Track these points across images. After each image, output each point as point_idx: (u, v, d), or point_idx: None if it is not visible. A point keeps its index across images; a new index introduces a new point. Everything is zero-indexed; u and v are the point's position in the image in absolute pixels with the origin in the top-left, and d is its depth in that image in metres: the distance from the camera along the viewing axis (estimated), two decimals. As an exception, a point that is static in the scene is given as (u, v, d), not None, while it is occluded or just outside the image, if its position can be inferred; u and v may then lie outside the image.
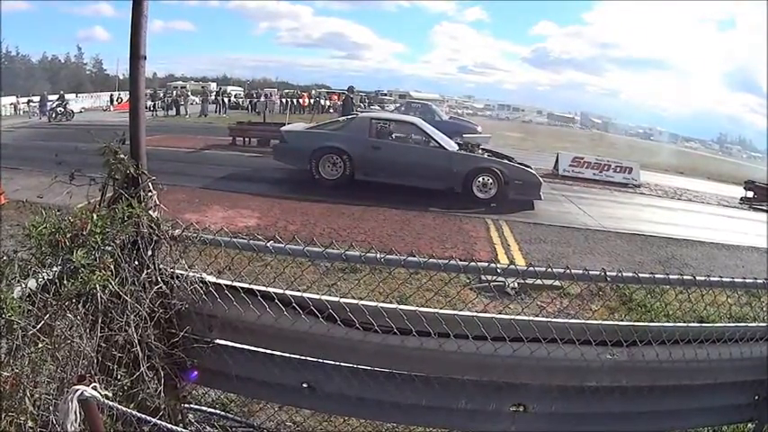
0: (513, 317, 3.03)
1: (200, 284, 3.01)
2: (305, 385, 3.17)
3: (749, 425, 4.21)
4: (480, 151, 13.98)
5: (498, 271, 3.02)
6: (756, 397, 4.03)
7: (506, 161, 13.11)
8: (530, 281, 6.22)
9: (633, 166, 20.84)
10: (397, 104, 28.29)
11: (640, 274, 3.15)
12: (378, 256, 2.86)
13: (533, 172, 13.14)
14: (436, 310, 3.05)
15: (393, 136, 13.53)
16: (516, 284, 6.25)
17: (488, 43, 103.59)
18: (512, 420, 3.26)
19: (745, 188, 23.84)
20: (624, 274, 3.11)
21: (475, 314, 3.10)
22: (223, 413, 3.75)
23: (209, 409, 3.72)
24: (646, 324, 3.50)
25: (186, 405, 3.46)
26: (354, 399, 3.20)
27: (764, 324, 3.97)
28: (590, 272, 3.02)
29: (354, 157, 12.65)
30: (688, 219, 15.17)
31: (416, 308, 3.09)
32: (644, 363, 3.18)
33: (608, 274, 2.98)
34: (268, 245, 2.92)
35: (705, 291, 4.17)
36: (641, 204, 16.76)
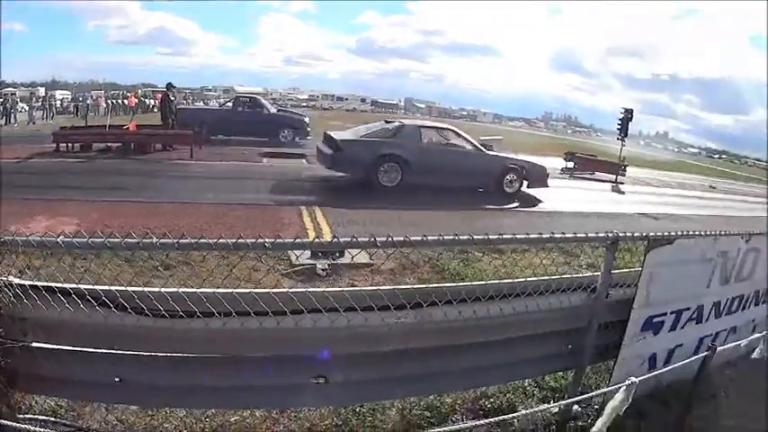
0: (307, 289, 3.25)
1: (8, 287, 3.10)
2: (117, 379, 3.32)
3: (569, 373, 4.59)
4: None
5: (303, 244, 3.14)
6: (570, 346, 4.39)
7: (525, 160, 15.85)
8: (341, 262, 6.47)
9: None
10: (225, 99, 29.52)
11: (444, 237, 3.40)
12: (173, 241, 2.92)
13: (542, 165, 15.98)
14: (233, 290, 3.21)
15: (437, 141, 15.01)
16: (327, 266, 6.48)
17: (314, 34, 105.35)
18: (315, 393, 3.53)
19: (565, 159, 28.05)
20: (429, 237, 3.34)
21: (270, 290, 3.31)
22: (54, 419, 3.72)
23: (42, 417, 3.67)
24: (434, 285, 3.88)
25: (21, 416, 3.39)
26: (166, 388, 3.41)
27: (568, 276, 4.47)
28: (394, 238, 3.26)
29: (410, 162, 13.87)
30: None
31: (214, 290, 3.25)
32: (433, 324, 3.50)
33: (412, 238, 3.24)
34: (74, 241, 2.93)
35: (519, 255, 4.48)
36: None
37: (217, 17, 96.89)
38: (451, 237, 3.37)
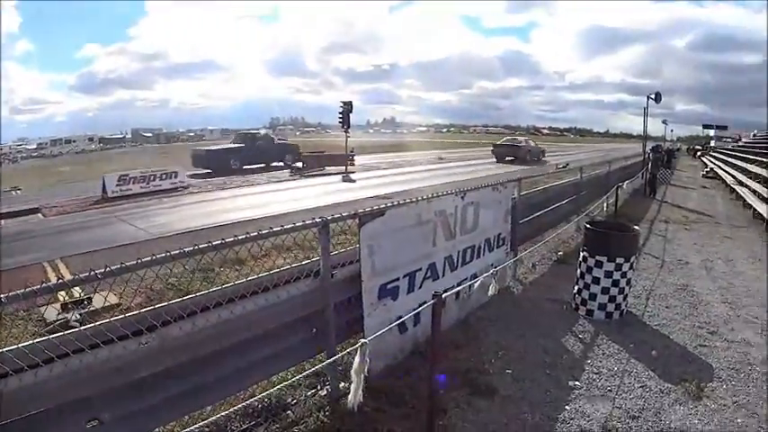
0: (51, 336, 3.27)
1: None
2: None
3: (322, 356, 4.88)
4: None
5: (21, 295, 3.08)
6: (314, 330, 4.77)
7: (541, 147, 49.92)
8: (94, 308, 6.46)
9: (178, 171, 24.93)
10: (235, 136, 37.29)
11: (157, 256, 3.48)
12: None
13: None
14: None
15: (530, 142, 47.31)
16: (79, 315, 6.44)
17: (36, 77, 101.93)
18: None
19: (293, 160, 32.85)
20: (129, 263, 3.35)
21: (17, 346, 3.19)
22: None
23: None
24: (163, 304, 3.91)
25: None
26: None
27: (296, 265, 4.71)
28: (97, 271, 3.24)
29: (532, 152, 44.00)
30: (239, 203, 18.73)
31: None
32: (173, 340, 3.69)
33: (128, 264, 3.30)
34: None
35: (259, 261, 4.57)
36: (191, 203, 19.86)
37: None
38: (163, 254, 3.52)
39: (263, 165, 33.03)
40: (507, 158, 41.49)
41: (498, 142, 46.38)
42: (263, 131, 45.73)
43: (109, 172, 23.35)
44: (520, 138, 51.39)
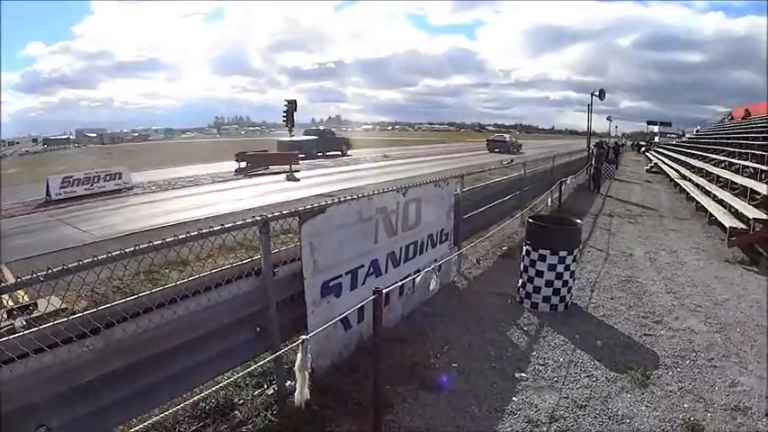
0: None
1: None
2: None
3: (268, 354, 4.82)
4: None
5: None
6: (258, 328, 4.82)
7: (518, 142, 68.40)
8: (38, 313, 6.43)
9: (122, 171, 24.80)
10: (306, 131, 47.21)
11: (98, 257, 3.48)
12: None
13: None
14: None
15: (510, 137, 69.69)
16: (24, 321, 6.37)
17: None
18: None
19: (237, 160, 31.23)
20: (71, 264, 3.34)
21: None
22: None
23: None
24: (107, 306, 3.89)
25: None
26: None
27: (237, 263, 4.73)
28: (39, 273, 3.25)
29: (514, 145, 61.59)
30: (184, 203, 18.90)
31: None
32: (117, 342, 3.71)
33: (70, 265, 3.30)
34: None
35: (203, 262, 4.53)
36: (137, 204, 19.99)
37: None
38: (104, 255, 3.50)
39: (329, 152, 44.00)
40: (496, 150, 56.30)
41: (490, 138, 66.67)
42: (326, 128, 55.66)
43: (53, 173, 23.10)
44: (505, 135, 69.20)
